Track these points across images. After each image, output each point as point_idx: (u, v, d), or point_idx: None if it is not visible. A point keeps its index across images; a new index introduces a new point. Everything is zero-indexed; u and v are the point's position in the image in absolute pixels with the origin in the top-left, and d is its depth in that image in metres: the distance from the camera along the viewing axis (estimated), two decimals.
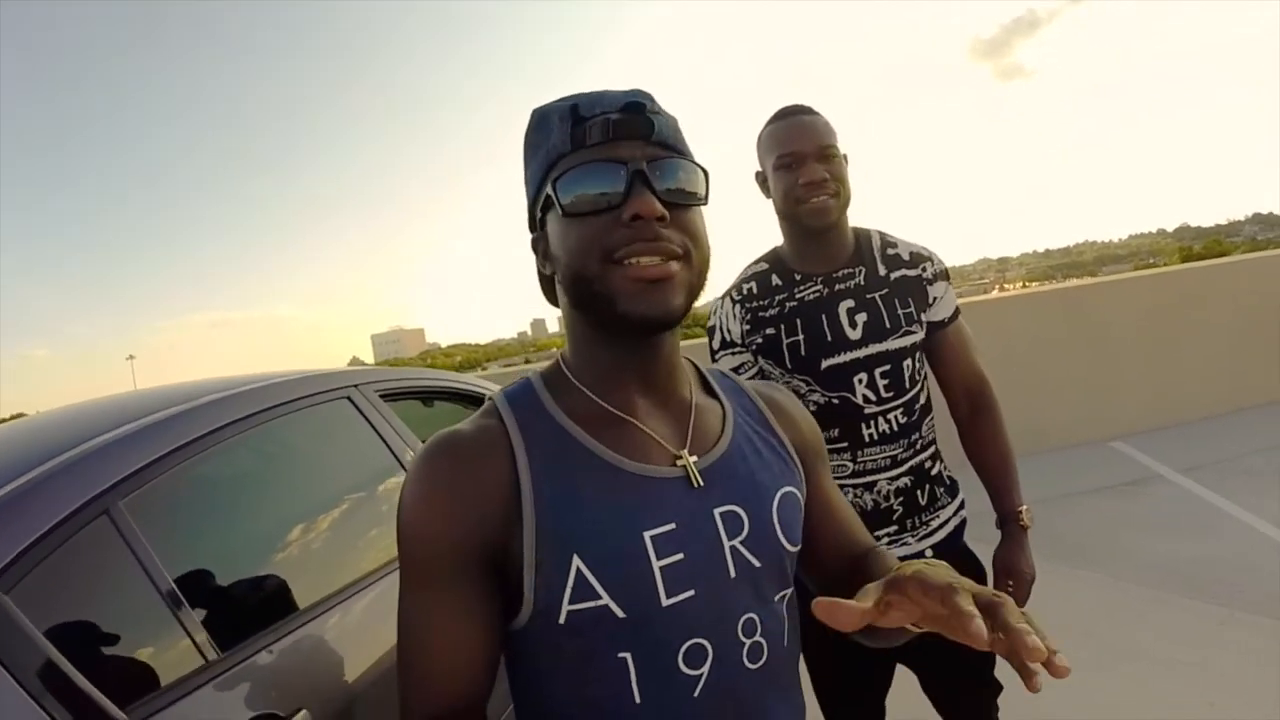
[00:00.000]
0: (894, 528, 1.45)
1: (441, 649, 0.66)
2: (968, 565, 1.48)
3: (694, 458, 0.72)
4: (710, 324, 1.55)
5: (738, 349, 1.49)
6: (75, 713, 0.92)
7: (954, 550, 1.50)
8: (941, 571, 0.54)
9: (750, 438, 0.79)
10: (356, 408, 1.82)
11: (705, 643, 0.68)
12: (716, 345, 1.53)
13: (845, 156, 1.44)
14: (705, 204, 0.72)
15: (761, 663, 0.71)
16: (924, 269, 1.48)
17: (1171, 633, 2.75)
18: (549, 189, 0.69)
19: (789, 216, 1.45)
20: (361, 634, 1.43)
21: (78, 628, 1.02)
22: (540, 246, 0.75)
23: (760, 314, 1.47)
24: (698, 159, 0.72)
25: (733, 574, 0.70)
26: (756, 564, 0.71)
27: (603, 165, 0.67)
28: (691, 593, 0.67)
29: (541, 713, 0.71)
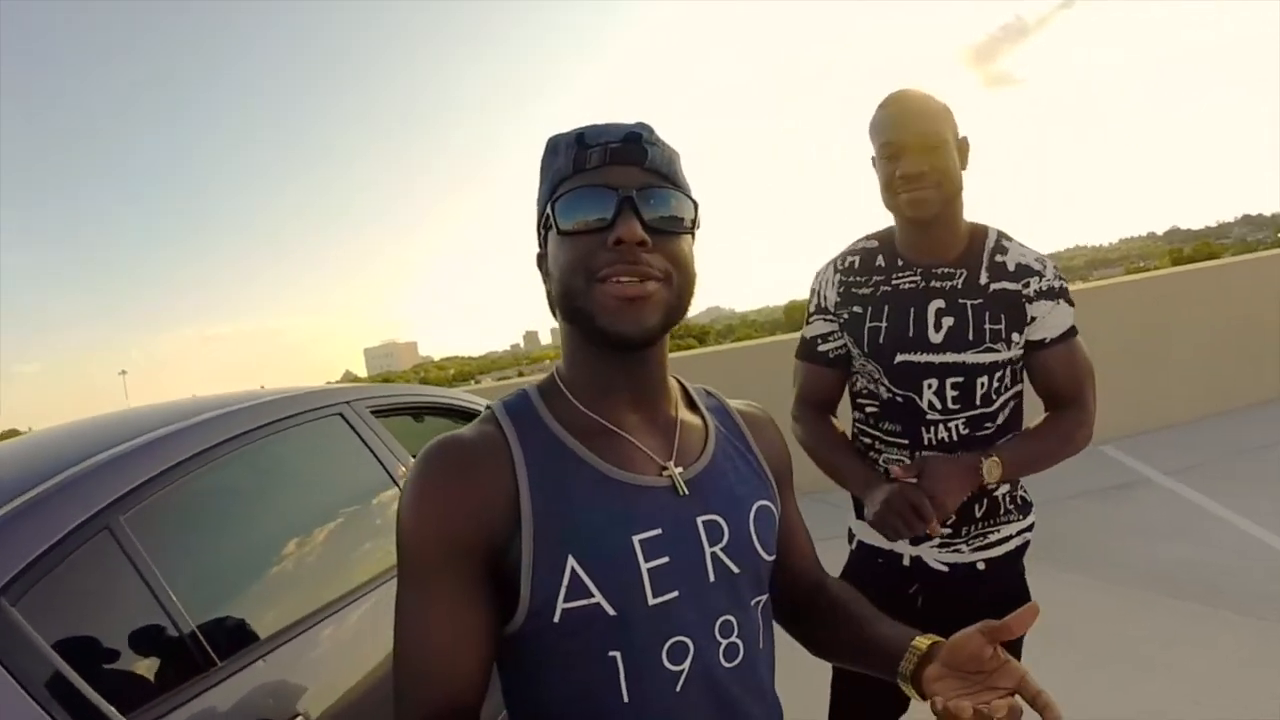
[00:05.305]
0: (947, 530, 1.40)
1: (439, 646, 0.68)
2: (1016, 590, 1.45)
3: (679, 469, 0.77)
4: (812, 285, 1.54)
5: (829, 316, 1.49)
6: (78, 718, 0.95)
7: (1010, 571, 1.45)
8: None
9: (729, 453, 0.83)
10: (349, 424, 1.86)
11: (687, 640, 0.72)
12: (813, 308, 1.52)
13: (965, 141, 1.37)
14: (692, 232, 0.77)
15: (737, 662, 0.75)
16: (1026, 284, 1.35)
17: (1158, 634, 2.79)
18: (549, 209, 0.74)
19: (890, 207, 1.39)
20: (355, 643, 1.46)
21: (81, 637, 1.06)
22: (544, 264, 0.80)
23: (854, 290, 1.45)
24: (693, 192, 0.77)
25: (712, 578, 0.74)
26: (735, 570, 0.76)
27: (597, 190, 0.72)
28: (676, 594, 0.71)
29: (535, 716, 0.74)
